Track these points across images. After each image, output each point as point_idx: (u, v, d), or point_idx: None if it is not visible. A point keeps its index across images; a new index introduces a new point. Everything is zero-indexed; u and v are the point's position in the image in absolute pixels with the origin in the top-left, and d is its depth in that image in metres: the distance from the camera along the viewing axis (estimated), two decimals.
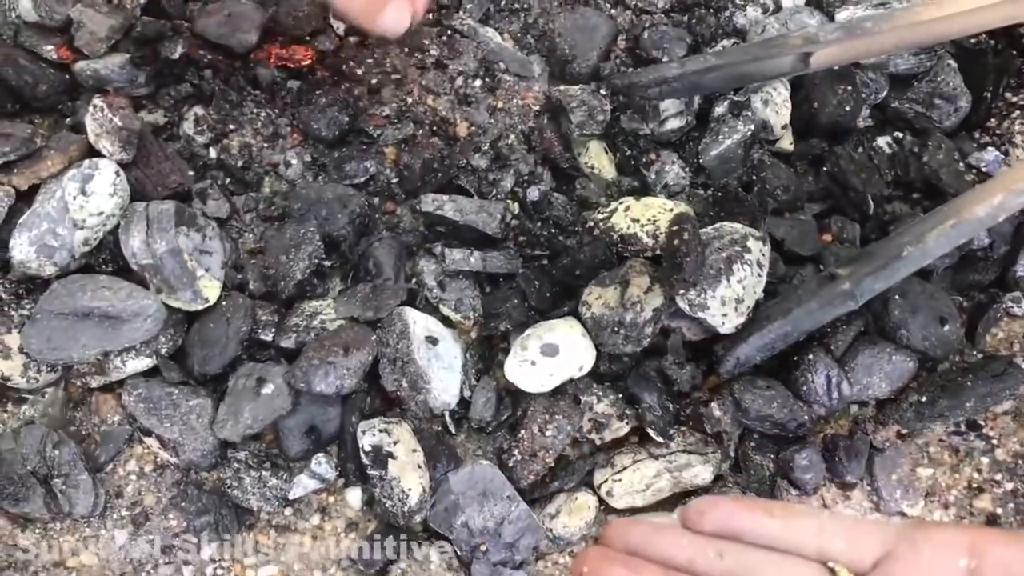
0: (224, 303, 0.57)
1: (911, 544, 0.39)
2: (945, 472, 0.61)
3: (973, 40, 0.68)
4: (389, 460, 0.53)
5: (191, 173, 0.62)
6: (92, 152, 0.59)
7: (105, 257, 0.58)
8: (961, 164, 0.66)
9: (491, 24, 0.68)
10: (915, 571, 0.38)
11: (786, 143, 0.66)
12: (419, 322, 0.57)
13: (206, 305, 0.56)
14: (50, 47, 0.63)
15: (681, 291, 0.56)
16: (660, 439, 0.56)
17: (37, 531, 0.54)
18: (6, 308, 0.57)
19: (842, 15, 0.66)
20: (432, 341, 0.57)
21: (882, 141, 0.67)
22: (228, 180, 0.63)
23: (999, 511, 0.60)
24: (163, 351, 0.56)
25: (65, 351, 0.55)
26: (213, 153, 0.63)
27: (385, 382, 0.56)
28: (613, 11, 0.69)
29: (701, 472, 0.56)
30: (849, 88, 0.65)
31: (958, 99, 0.67)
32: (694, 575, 0.41)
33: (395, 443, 0.54)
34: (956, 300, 0.65)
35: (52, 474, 0.55)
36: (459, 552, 0.55)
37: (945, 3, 0.61)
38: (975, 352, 0.64)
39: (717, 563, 0.41)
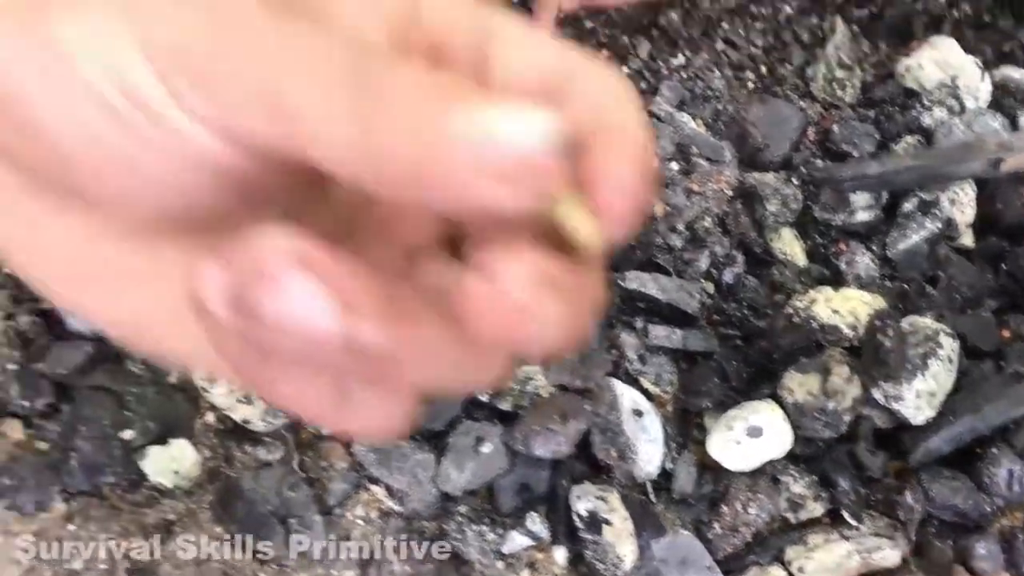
0: None
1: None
2: None
3: None
4: (604, 526, 0.57)
5: None
6: None
7: None
8: None
9: (685, 110, 0.73)
10: None
11: (967, 240, 0.69)
12: (626, 394, 0.61)
13: None
14: None
15: (880, 383, 0.59)
16: (854, 522, 0.60)
17: (274, 568, 0.60)
18: None
19: None
20: (638, 413, 0.61)
21: None
22: None
23: None
24: None
25: None
26: None
27: (596, 451, 0.60)
28: (802, 103, 0.73)
29: (889, 555, 0.60)
30: None
31: None
32: None
33: (611, 511, 0.58)
34: None
35: (288, 514, 0.60)
36: None
37: None
38: None
39: None
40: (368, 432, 0.23)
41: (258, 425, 0.61)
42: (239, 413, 0.61)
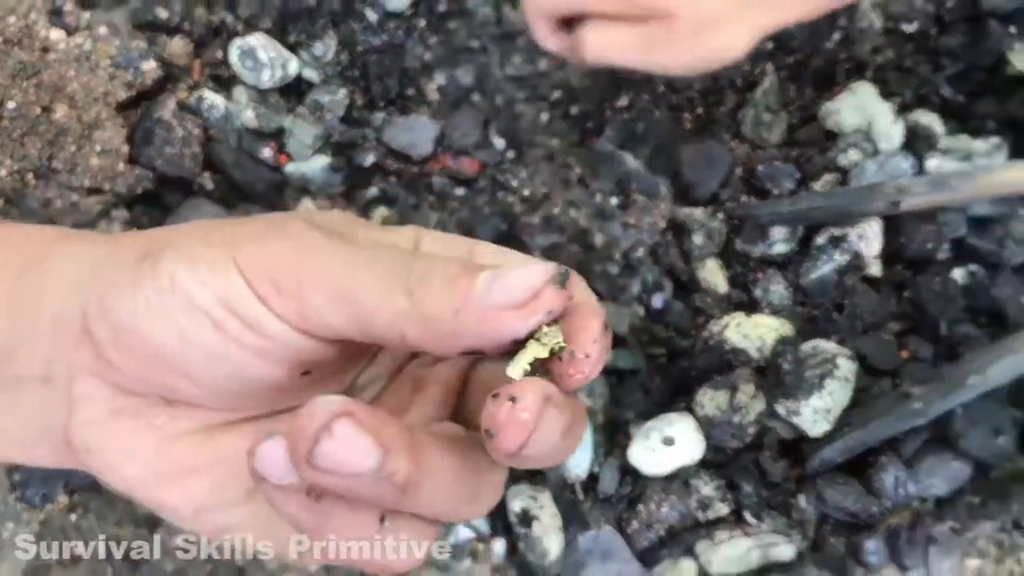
0: None
1: None
2: (990, 563, 0.72)
3: None
4: (534, 522, 0.66)
5: None
6: None
7: None
8: None
9: (627, 149, 0.81)
10: None
11: (874, 270, 0.77)
12: None
13: None
14: (266, 151, 0.78)
15: (780, 400, 0.68)
16: (754, 521, 0.68)
17: None
18: None
19: (931, 162, 0.78)
20: None
21: (958, 273, 0.77)
22: None
23: None
24: None
25: None
26: None
27: None
28: (732, 144, 0.81)
29: (785, 550, 0.68)
30: (933, 228, 0.76)
31: None
32: None
33: (541, 508, 0.67)
34: (1012, 413, 0.76)
35: None
36: None
37: (1017, 168, 0.72)
38: None
39: None
40: (400, 563, 0.31)
41: None
42: None
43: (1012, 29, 0.86)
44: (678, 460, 0.68)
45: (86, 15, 0.76)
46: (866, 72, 0.85)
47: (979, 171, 0.74)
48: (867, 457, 0.71)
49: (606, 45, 0.56)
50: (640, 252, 0.77)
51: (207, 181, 0.75)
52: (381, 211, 0.78)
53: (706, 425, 0.68)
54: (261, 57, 0.76)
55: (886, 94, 0.84)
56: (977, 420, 0.72)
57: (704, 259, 0.77)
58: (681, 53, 0.54)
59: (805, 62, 0.84)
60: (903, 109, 0.83)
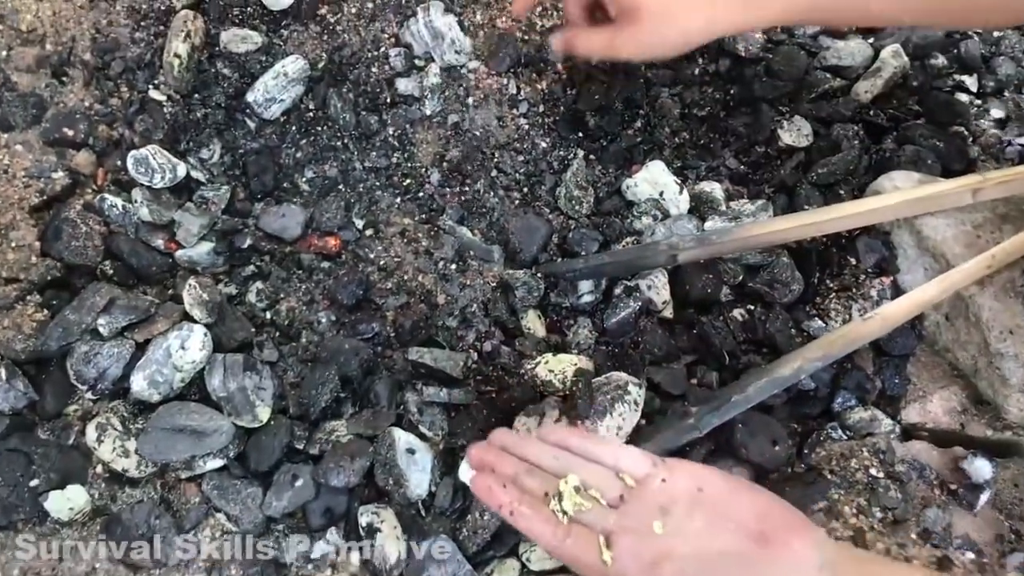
0: (272, 423, 0.85)
1: (667, 468, 0.65)
2: None
3: (809, 240, 0.96)
4: (377, 533, 0.80)
5: (252, 330, 0.90)
6: (187, 316, 0.88)
7: (194, 390, 0.86)
8: (793, 330, 0.93)
9: (465, 224, 0.97)
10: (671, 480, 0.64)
11: (667, 312, 0.93)
12: (402, 438, 0.84)
13: (260, 424, 0.84)
14: (159, 240, 0.93)
15: (578, 422, 0.83)
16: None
17: (144, 573, 0.81)
18: (126, 423, 0.84)
19: (709, 223, 0.95)
20: (411, 451, 0.84)
21: (736, 312, 0.94)
22: (277, 334, 0.91)
23: None
24: (231, 455, 0.84)
25: (166, 454, 0.82)
26: (268, 315, 0.92)
27: (378, 480, 0.83)
28: (550, 216, 0.98)
29: None
30: (711, 276, 0.93)
31: (791, 283, 0.94)
32: (539, 467, 0.68)
33: (382, 522, 0.81)
34: (792, 427, 0.91)
35: (154, 535, 0.82)
36: None
37: (767, 224, 0.89)
38: (803, 465, 0.90)
39: (553, 462, 0.67)
40: None
41: (134, 473, 0.83)
42: (120, 464, 0.83)
43: (782, 109, 1.05)
44: None
45: (4, 135, 0.92)
46: (664, 151, 1.02)
47: (735, 228, 0.91)
48: None
49: (583, 44, 0.83)
50: (474, 307, 0.92)
51: (108, 268, 0.90)
52: (258, 284, 0.93)
53: None
54: (152, 164, 0.92)
55: (684, 168, 1.01)
56: (756, 432, 0.87)
57: (526, 310, 0.92)
58: (641, 46, 0.80)
59: (606, 147, 1.01)
60: (697, 180, 1.01)
